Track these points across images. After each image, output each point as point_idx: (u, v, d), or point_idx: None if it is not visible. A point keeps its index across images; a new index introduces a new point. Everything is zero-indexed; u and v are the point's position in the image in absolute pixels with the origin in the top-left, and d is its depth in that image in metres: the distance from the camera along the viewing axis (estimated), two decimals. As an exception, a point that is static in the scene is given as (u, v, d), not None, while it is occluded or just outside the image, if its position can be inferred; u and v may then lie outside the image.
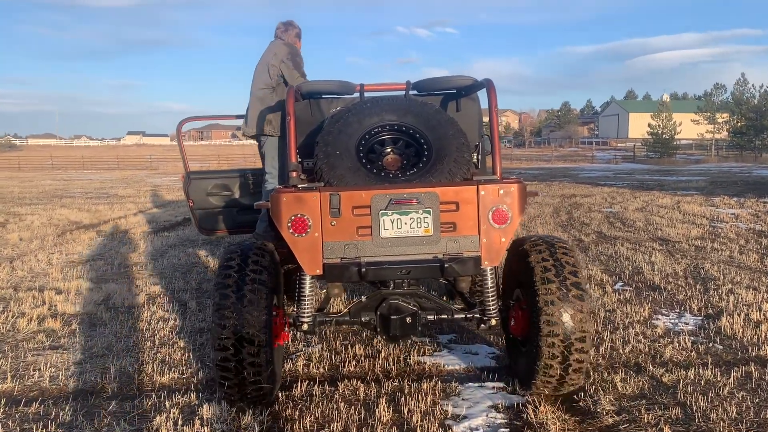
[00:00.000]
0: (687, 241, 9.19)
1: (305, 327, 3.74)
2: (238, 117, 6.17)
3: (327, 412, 3.58)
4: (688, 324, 5.19)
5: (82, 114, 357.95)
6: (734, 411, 3.53)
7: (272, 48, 5.79)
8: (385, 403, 3.66)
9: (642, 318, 5.35)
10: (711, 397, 3.72)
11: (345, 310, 3.97)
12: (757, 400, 3.68)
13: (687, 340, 4.73)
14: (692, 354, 4.46)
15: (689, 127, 56.07)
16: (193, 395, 3.80)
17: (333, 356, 4.50)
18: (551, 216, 12.56)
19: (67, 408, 3.66)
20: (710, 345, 4.65)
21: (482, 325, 3.80)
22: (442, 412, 3.59)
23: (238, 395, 3.53)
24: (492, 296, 3.74)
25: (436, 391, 3.85)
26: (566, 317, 3.43)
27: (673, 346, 4.62)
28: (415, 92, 4.52)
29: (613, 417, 3.49)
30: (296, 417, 3.55)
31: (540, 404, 3.62)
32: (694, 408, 3.57)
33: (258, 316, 3.38)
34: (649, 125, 54.46)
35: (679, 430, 3.34)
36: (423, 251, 3.47)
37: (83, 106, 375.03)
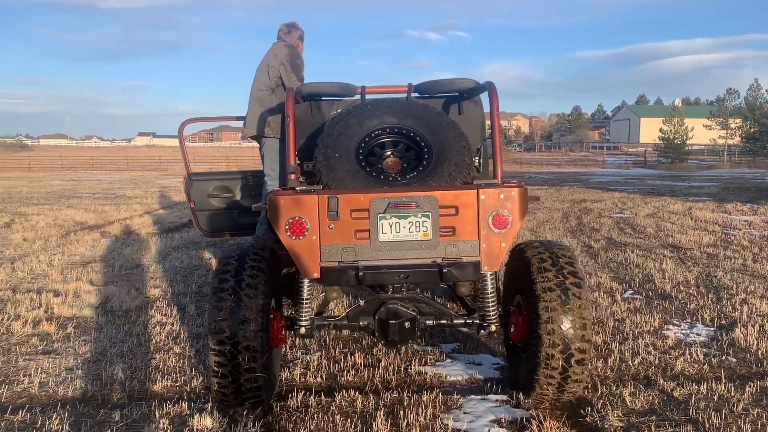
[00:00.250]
0: (699, 249, 8.99)
1: (303, 330, 3.70)
2: (239, 118, 6.11)
3: (322, 425, 3.44)
4: (700, 335, 5.02)
5: (93, 115, 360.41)
6: (749, 429, 3.36)
7: (273, 49, 5.76)
8: (383, 415, 3.52)
9: (652, 328, 5.18)
10: (725, 413, 3.54)
11: (343, 314, 3.91)
12: (773, 417, 3.51)
13: (699, 353, 4.55)
14: (705, 367, 4.29)
15: (701, 133, 55.66)
16: (184, 404, 3.67)
17: (331, 365, 4.35)
18: (560, 221, 12.37)
19: (54, 416, 3.54)
20: (723, 358, 4.48)
21: (482, 330, 3.76)
22: (442, 426, 3.44)
23: (233, 399, 3.47)
24: (492, 302, 3.69)
25: (437, 404, 3.70)
26: (567, 324, 3.37)
27: (684, 358, 4.45)
28: (416, 95, 4.44)
29: (622, 434, 3.33)
30: (290, 430, 3.41)
31: (545, 419, 3.46)
32: (707, 425, 3.41)
33: (255, 319, 3.32)
34: (661, 130, 54.08)
35: (690, 449, 3.19)
36: (421, 255, 3.41)
37: (94, 107, 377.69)
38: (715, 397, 3.77)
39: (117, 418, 3.54)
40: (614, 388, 3.91)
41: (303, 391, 3.86)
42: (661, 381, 4.02)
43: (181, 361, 4.44)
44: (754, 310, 5.68)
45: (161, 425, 3.42)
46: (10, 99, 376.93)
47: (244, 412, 3.58)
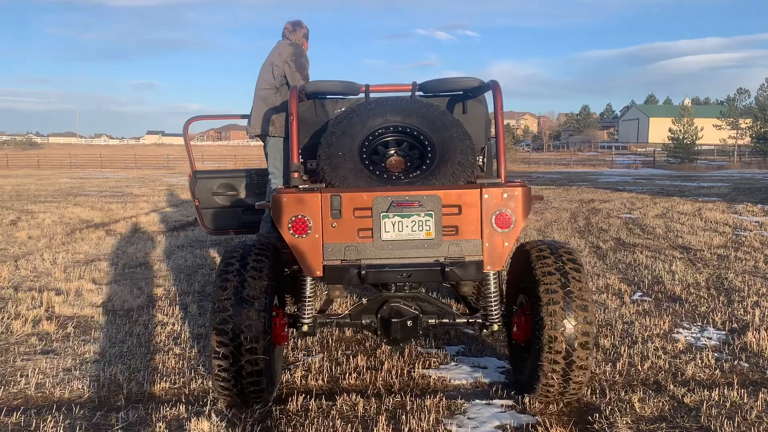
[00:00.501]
0: (709, 250, 8.86)
1: (305, 328, 3.70)
2: (244, 117, 6.10)
3: (322, 430, 3.36)
4: (711, 339, 4.90)
5: (102, 113, 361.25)
6: (763, 438, 3.25)
7: (278, 48, 5.71)
8: (385, 420, 3.43)
9: (662, 331, 5.07)
10: (737, 421, 3.43)
11: (346, 313, 3.92)
12: (787, 425, 3.40)
13: (710, 357, 4.44)
14: (716, 372, 4.18)
15: (711, 133, 55.28)
16: (182, 407, 3.59)
17: (333, 367, 4.27)
18: (569, 221, 12.25)
19: (49, 419, 3.47)
20: (735, 363, 4.36)
21: (484, 330, 3.75)
22: (445, 432, 3.35)
23: (235, 396, 3.46)
24: (495, 301, 3.67)
25: (440, 409, 3.61)
26: (569, 324, 3.36)
27: (695, 363, 4.34)
28: (421, 93, 4.41)
29: (631, 442, 3.23)
30: (289, 434, 3.33)
31: (551, 426, 3.36)
32: (719, 433, 3.30)
33: (257, 316, 3.32)
34: (671, 130, 53.72)
35: (702, 458, 3.08)
36: (424, 254, 3.39)
37: (104, 105, 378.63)
38: (728, 404, 3.66)
39: (113, 422, 3.46)
40: (623, 393, 3.81)
41: (303, 394, 3.77)
42: (672, 386, 3.91)
43: (181, 362, 4.37)
44: (766, 313, 5.55)
45: (158, 429, 3.35)
46: (20, 97, 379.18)
47: (242, 415, 3.51)
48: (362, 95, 4.29)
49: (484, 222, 3.39)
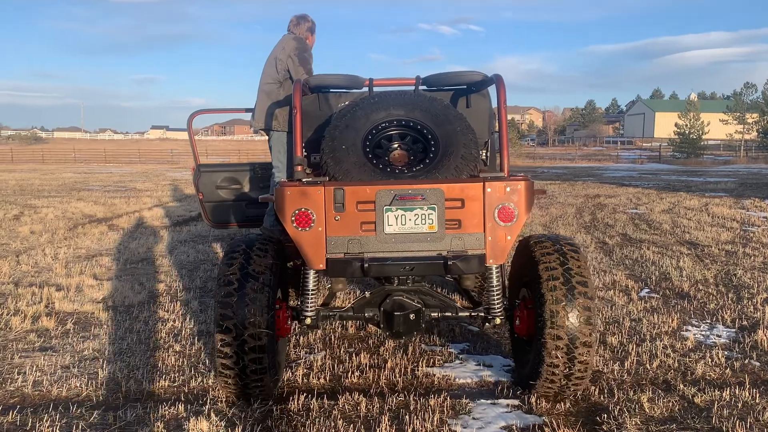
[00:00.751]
0: (717, 246, 8.75)
1: (308, 321, 3.71)
2: (248, 110, 6.08)
3: (324, 431, 3.28)
4: (720, 337, 4.81)
5: (107, 108, 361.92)
6: (776, 440, 3.17)
7: (282, 42, 5.69)
8: (388, 420, 3.35)
9: (670, 329, 4.98)
10: (750, 422, 3.34)
11: (349, 306, 3.92)
12: (801, 427, 3.31)
13: (720, 355, 4.35)
14: (727, 371, 4.09)
15: (717, 127, 54.94)
16: (181, 407, 3.52)
17: (336, 365, 4.19)
18: (574, 217, 12.14)
19: (45, 418, 3.39)
20: (746, 361, 4.27)
21: (487, 323, 3.76)
22: (449, 432, 3.27)
23: (239, 388, 3.48)
24: (497, 295, 3.67)
25: (445, 409, 3.52)
26: (572, 317, 3.35)
27: (705, 361, 4.25)
28: (424, 87, 4.39)
29: (640, 443, 3.15)
30: (290, 434, 3.26)
31: (558, 427, 3.28)
32: (731, 435, 3.22)
33: (261, 308, 3.33)
34: (677, 125, 53.39)
35: (714, 460, 3.00)
36: (427, 248, 3.41)
37: (108, 100, 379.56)
38: (739, 404, 3.57)
39: (111, 421, 3.39)
40: (632, 393, 3.72)
41: (305, 393, 3.69)
42: (681, 386, 3.82)
43: (181, 359, 4.30)
44: (776, 310, 5.46)
45: (156, 429, 3.28)
46: (25, 92, 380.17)
47: (242, 415, 3.44)
48: (366, 89, 4.30)
49: (487, 216, 3.40)
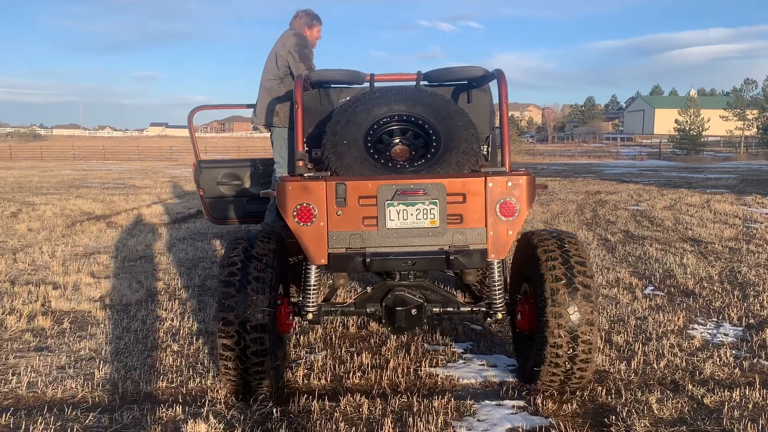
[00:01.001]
0: (720, 242, 8.67)
1: (310, 316, 3.71)
2: (250, 106, 6.07)
3: (325, 433, 3.20)
4: (728, 335, 4.73)
5: (106, 105, 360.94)
6: (789, 442, 3.09)
7: (282, 38, 5.66)
8: (391, 423, 3.27)
9: (676, 327, 4.90)
10: (762, 424, 3.26)
11: (350, 301, 3.92)
12: (814, 428, 3.22)
13: (728, 355, 4.27)
14: (736, 371, 4.01)
15: (716, 124, 54.82)
16: (179, 408, 3.44)
17: (337, 365, 4.11)
18: (575, 213, 12.06)
19: (39, 420, 3.31)
20: (755, 361, 4.19)
21: (488, 318, 3.75)
22: (454, 435, 3.18)
23: (240, 384, 3.49)
24: (499, 290, 3.67)
25: (449, 410, 3.44)
26: (574, 312, 3.35)
27: (713, 361, 4.17)
28: (425, 83, 4.39)
29: (650, 446, 3.07)
30: (290, 437, 3.17)
31: (565, 429, 3.20)
32: (743, 437, 3.13)
33: (263, 304, 3.33)
34: (677, 121, 53.27)
35: (726, 464, 2.91)
36: (429, 243, 3.40)
37: (108, 97, 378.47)
38: (750, 406, 3.49)
39: (106, 423, 3.31)
40: (639, 394, 3.64)
41: (306, 395, 3.61)
42: (690, 386, 3.74)
43: (179, 360, 4.21)
44: (784, 308, 5.38)
45: None
46: (24, 89, 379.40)
47: (242, 417, 3.35)
48: (367, 84, 4.29)
49: (489, 210, 3.39)
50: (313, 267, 3.61)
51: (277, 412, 3.41)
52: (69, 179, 23.40)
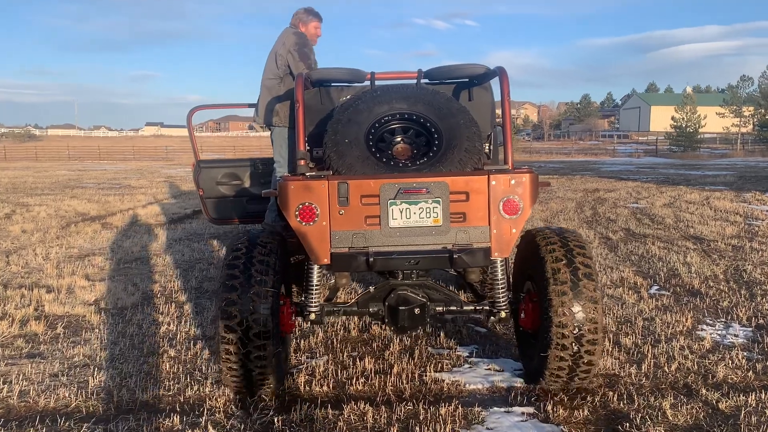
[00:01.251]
0: (723, 240, 8.57)
1: (312, 317, 3.68)
2: (250, 106, 6.04)
3: (328, 443, 3.08)
4: (737, 336, 4.62)
5: (101, 105, 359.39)
6: (810, 449, 2.98)
7: (282, 36, 5.59)
8: (397, 432, 3.15)
9: (685, 328, 4.79)
10: (780, 430, 3.16)
11: (353, 301, 3.89)
12: (834, 434, 3.12)
13: (740, 357, 4.16)
14: (749, 374, 3.90)
15: (712, 121, 54.81)
16: (176, 418, 3.31)
17: (339, 371, 3.99)
18: (575, 211, 11.96)
19: (31, 431, 3.19)
20: (768, 363, 4.08)
21: (492, 317, 3.72)
22: (462, 444, 3.07)
23: (243, 385, 3.46)
24: (502, 288, 3.66)
25: (456, 418, 3.32)
26: (577, 309, 3.33)
27: (725, 363, 4.06)
28: (426, 81, 4.35)
29: (666, 454, 2.96)
30: (293, 448, 3.05)
31: (578, 437, 3.09)
32: (761, 444, 3.03)
33: (265, 303, 3.31)
34: (673, 118, 53.25)
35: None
36: (432, 241, 3.38)
37: (103, 97, 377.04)
38: (767, 411, 3.38)
39: (101, 434, 3.19)
40: (652, 399, 3.53)
41: (308, 403, 3.49)
42: (704, 390, 3.63)
43: (176, 366, 4.09)
44: (793, 308, 5.28)
45: (149, 443, 3.08)
46: (19, 89, 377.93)
47: (242, 426, 3.23)
48: (367, 83, 4.25)
49: (492, 209, 3.38)
50: (316, 267, 3.58)
51: (278, 421, 3.29)
52: (64, 180, 23.22)
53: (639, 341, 4.49)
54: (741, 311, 5.21)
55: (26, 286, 6.24)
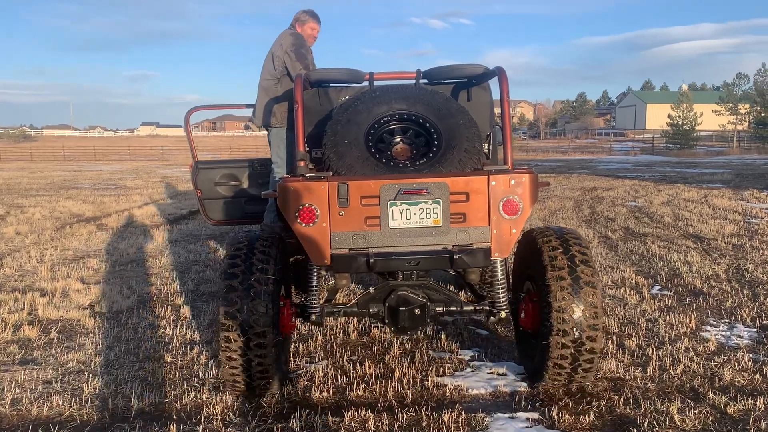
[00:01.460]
0: (722, 239, 8.51)
1: (313, 318, 3.69)
2: (248, 106, 6.01)
3: (329, 452, 3.01)
4: (742, 337, 4.56)
5: (97, 105, 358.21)
6: (822, 455, 2.91)
7: (279, 38, 5.57)
8: (399, 439, 3.07)
9: (689, 330, 4.73)
10: (790, 435, 3.09)
11: (353, 302, 3.88)
12: None
13: (746, 359, 4.10)
14: (756, 377, 3.83)
15: (708, 119, 54.81)
16: (173, 426, 3.23)
17: (339, 376, 3.91)
18: (573, 210, 11.90)
19: (24, 442, 3.11)
20: (775, 365, 4.02)
21: (492, 317, 3.72)
22: (466, 451, 3.00)
23: (244, 386, 3.45)
24: (502, 288, 3.66)
25: (460, 425, 3.25)
26: (577, 309, 3.33)
27: (731, 365, 4.00)
28: (425, 81, 4.32)
29: (675, 461, 2.89)
30: (293, 457, 2.98)
31: (585, 444, 3.02)
32: (772, 450, 2.96)
33: (266, 304, 3.30)
34: (669, 116, 53.26)
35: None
36: (432, 242, 3.37)
37: (98, 97, 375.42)
38: (776, 415, 3.32)
39: (95, 444, 3.11)
40: (659, 403, 3.46)
41: (307, 410, 3.41)
42: (711, 394, 3.56)
43: (172, 371, 4.01)
44: (797, 308, 5.22)
45: (145, 452, 3.00)
46: (14, 90, 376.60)
47: (241, 435, 3.15)
48: (366, 83, 4.22)
49: (492, 209, 3.37)
50: (316, 268, 3.58)
51: (277, 429, 3.22)
52: (59, 180, 23.08)
53: (643, 343, 4.42)
54: (744, 311, 5.15)
55: (20, 289, 6.15)
